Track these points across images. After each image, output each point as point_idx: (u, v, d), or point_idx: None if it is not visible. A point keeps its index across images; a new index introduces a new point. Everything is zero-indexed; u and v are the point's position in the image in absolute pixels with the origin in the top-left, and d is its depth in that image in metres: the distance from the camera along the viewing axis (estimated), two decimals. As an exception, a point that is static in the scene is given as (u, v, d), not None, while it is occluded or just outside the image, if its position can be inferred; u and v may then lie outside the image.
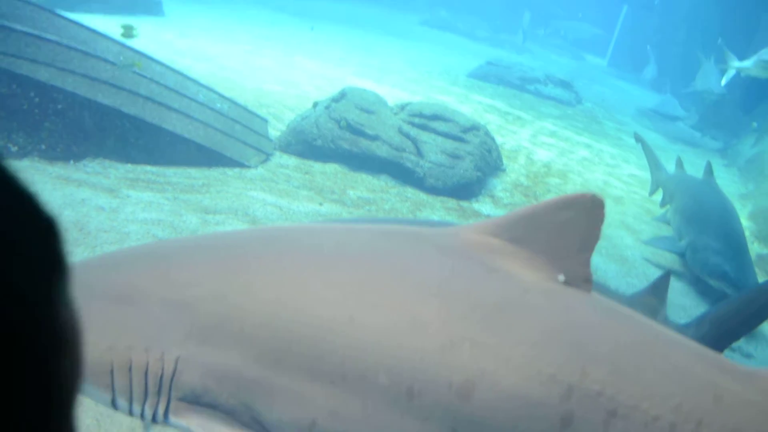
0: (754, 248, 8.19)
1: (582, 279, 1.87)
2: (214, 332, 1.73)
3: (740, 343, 5.79)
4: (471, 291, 1.81)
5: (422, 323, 1.72)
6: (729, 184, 11.05)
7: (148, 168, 6.05)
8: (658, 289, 3.70)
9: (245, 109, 7.64)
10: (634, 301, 3.50)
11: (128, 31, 7.24)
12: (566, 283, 1.86)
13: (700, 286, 6.62)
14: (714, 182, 7.82)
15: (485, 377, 1.67)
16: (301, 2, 20.37)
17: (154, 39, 11.07)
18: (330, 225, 2.30)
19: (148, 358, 1.73)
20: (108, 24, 8.58)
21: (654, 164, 8.51)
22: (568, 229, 1.83)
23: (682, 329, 3.85)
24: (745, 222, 8.60)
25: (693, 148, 14.50)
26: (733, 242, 6.71)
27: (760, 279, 6.69)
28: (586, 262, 1.87)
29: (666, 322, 3.63)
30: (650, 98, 19.22)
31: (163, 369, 1.73)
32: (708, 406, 1.76)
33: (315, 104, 8.12)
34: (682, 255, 6.90)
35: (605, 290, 3.38)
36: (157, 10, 13.69)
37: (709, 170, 7.85)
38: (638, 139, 8.87)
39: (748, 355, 5.68)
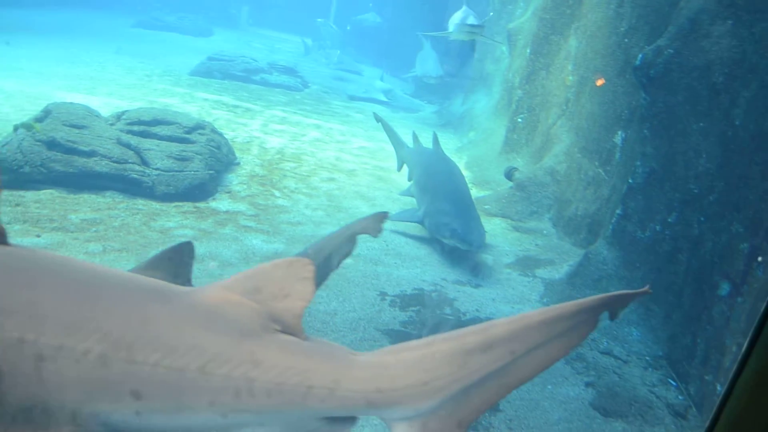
0: (474, 193, 9.20)
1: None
2: None
3: (471, 277, 6.58)
4: None
5: None
6: (447, 140, 12.25)
7: None
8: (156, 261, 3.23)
9: (-73, 145, 6.69)
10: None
11: None
12: None
13: (437, 244, 7.16)
14: (440, 150, 8.48)
15: None
16: (-10, 14, 18.08)
17: None
18: None
19: None
20: None
21: (396, 142, 8.91)
22: None
23: None
24: (464, 172, 9.63)
25: (414, 113, 15.82)
26: (460, 202, 7.33)
27: (484, 221, 7.54)
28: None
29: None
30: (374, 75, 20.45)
31: None
32: (138, 330, 1.86)
33: (16, 128, 7.37)
34: (421, 222, 7.36)
35: None
36: None
37: (435, 140, 8.53)
38: (378, 119, 9.30)
39: (478, 285, 6.45)
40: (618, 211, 6.19)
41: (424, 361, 2.07)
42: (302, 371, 1.97)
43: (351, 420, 2.10)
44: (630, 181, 6.07)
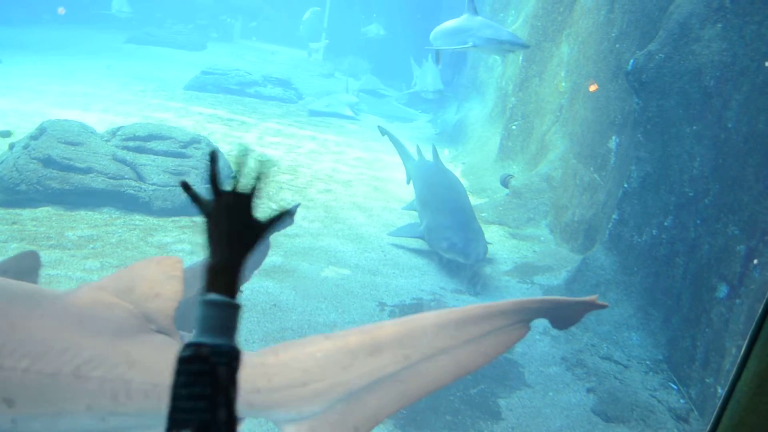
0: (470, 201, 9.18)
1: None
2: None
3: (470, 285, 6.56)
4: None
5: None
6: (442, 149, 12.25)
7: None
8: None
9: None
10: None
11: None
12: None
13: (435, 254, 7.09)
14: (441, 164, 8.33)
15: None
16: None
17: None
18: None
19: None
20: None
21: (404, 155, 8.79)
22: None
23: None
24: (461, 180, 9.59)
25: (408, 123, 15.87)
26: (460, 216, 7.20)
27: (484, 227, 7.46)
28: None
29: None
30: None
31: None
32: (5, 335, 1.84)
33: (11, 146, 7.40)
34: (422, 237, 7.26)
35: None
36: None
37: (435, 154, 8.39)
38: (383, 131, 9.15)
39: (476, 294, 6.44)
40: (614, 216, 6.21)
41: (304, 360, 1.96)
42: None
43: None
44: (625, 185, 6.09)
